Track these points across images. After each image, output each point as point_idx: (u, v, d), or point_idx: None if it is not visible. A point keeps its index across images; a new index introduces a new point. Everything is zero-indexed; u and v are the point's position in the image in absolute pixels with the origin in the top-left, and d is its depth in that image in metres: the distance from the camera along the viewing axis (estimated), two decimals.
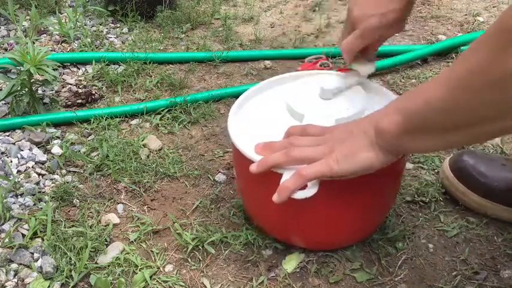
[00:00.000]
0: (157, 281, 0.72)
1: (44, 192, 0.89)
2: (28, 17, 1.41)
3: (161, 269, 0.75)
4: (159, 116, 1.06)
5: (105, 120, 1.04)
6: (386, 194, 0.74)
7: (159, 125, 1.04)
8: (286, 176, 0.63)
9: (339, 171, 0.60)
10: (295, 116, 0.73)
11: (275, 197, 0.62)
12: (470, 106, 0.49)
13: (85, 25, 1.41)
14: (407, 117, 0.56)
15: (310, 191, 0.62)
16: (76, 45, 1.33)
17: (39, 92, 1.12)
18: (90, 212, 0.84)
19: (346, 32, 0.76)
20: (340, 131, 0.64)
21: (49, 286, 0.72)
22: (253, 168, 0.65)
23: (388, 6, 0.71)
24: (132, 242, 0.79)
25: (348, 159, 0.60)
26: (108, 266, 0.75)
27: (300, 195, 0.62)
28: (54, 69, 1.08)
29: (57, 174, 0.93)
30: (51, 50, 1.30)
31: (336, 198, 0.67)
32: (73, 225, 0.81)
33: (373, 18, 0.71)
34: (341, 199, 0.68)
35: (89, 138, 1.01)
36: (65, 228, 0.81)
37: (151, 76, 1.20)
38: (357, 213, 0.71)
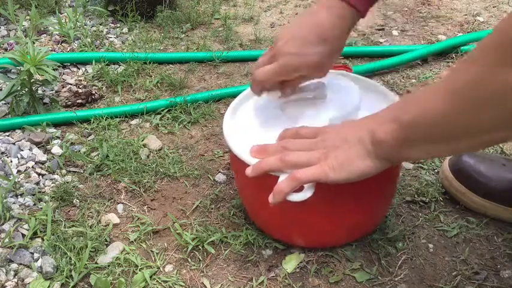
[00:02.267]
0: (157, 281, 0.72)
1: (44, 192, 0.89)
2: (28, 17, 1.41)
3: (161, 269, 0.75)
4: (159, 116, 1.06)
5: (105, 120, 1.04)
6: (385, 193, 0.74)
7: (159, 125, 1.04)
8: (282, 178, 0.63)
9: (335, 178, 0.61)
10: (289, 118, 0.73)
11: (270, 199, 0.63)
12: (469, 118, 0.49)
13: (85, 25, 1.41)
14: (403, 127, 0.56)
15: (306, 194, 0.62)
16: (76, 45, 1.33)
17: (39, 92, 1.12)
18: (90, 212, 0.84)
19: (265, 58, 0.72)
20: (334, 136, 0.63)
21: (49, 286, 0.72)
22: (248, 172, 0.66)
23: (312, 48, 0.67)
24: (132, 242, 0.79)
25: (344, 167, 0.60)
26: (108, 266, 0.75)
27: (295, 198, 0.62)
28: (54, 69, 1.08)
29: (57, 174, 0.93)
30: (51, 50, 1.30)
31: (334, 199, 0.68)
32: (73, 225, 0.81)
33: (293, 57, 0.68)
34: (339, 199, 0.68)
35: (89, 138, 1.01)
36: (65, 228, 0.81)
37: (151, 76, 1.20)
38: (356, 212, 0.71)
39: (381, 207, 0.76)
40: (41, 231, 0.80)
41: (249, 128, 0.75)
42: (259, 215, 0.77)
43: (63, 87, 1.16)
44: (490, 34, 0.46)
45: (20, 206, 0.85)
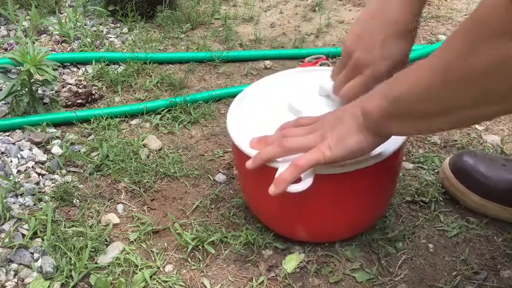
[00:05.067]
0: (157, 281, 0.72)
1: (44, 192, 0.89)
2: (28, 17, 1.41)
3: (161, 269, 0.75)
4: (159, 116, 1.06)
5: (105, 120, 1.04)
6: (385, 185, 0.75)
7: (159, 125, 1.04)
8: (282, 169, 0.64)
9: (332, 156, 0.62)
10: (293, 112, 0.74)
11: (271, 189, 0.63)
12: (450, 96, 0.50)
13: (85, 25, 1.41)
14: (391, 102, 0.57)
15: (305, 184, 0.63)
16: (76, 45, 1.33)
17: (39, 92, 1.12)
18: (90, 212, 0.84)
19: (343, 72, 0.69)
20: (330, 118, 0.65)
21: (49, 286, 0.72)
22: (249, 164, 0.66)
23: (396, 47, 0.65)
24: (132, 242, 0.79)
25: (339, 144, 0.61)
26: (108, 266, 0.75)
27: (295, 188, 0.63)
28: (54, 69, 1.08)
29: (57, 174, 0.93)
30: (51, 50, 1.30)
31: (334, 190, 0.68)
32: (73, 225, 0.81)
33: (382, 62, 0.65)
34: (339, 190, 0.69)
35: (89, 138, 1.01)
36: (65, 228, 0.81)
37: (151, 76, 1.20)
38: (356, 204, 0.72)
39: (383, 196, 0.76)
40: (41, 231, 0.80)
41: (252, 123, 0.75)
42: (262, 209, 0.78)
43: (63, 87, 1.16)
44: (469, 15, 0.48)
45: (20, 206, 0.85)
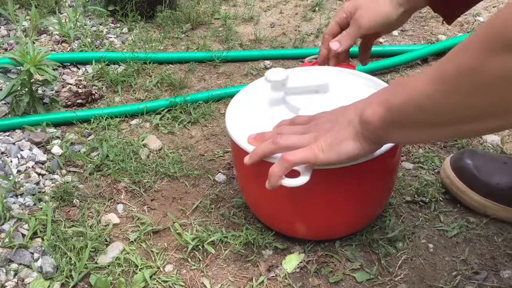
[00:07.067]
0: (157, 281, 0.72)
1: (44, 192, 0.89)
2: (28, 17, 1.41)
3: (161, 269, 0.75)
4: (159, 116, 1.06)
5: (105, 120, 1.04)
6: (382, 180, 0.75)
7: (159, 125, 1.04)
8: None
9: (324, 159, 0.62)
10: (291, 109, 0.75)
11: (267, 184, 0.64)
12: (456, 106, 0.49)
13: (85, 25, 1.41)
14: (390, 110, 0.56)
15: (301, 180, 0.63)
16: (76, 45, 1.33)
17: (39, 92, 1.12)
18: (90, 212, 0.84)
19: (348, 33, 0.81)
20: (325, 119, 0.65)
21: (49, 286, 0.72)
22: (246, 160, 0.67)
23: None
24: (132, 242, 0.79)
25: (333, 148, 0.61)
26: (108, 266, 0.75)
27: (289, 183, 0.63)
28: (54, 69, 1.08)
29: (57, 174, 0.93)
30: (51, 50, 1.30)
31: (332, 186, 0.69)
32: (73, 225, 0.81)
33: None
34: (338, 187, 0.69)
35: (89, 138, 1.01)
36: (65, 228, 0.81)
37: (151, 76, 1.20)
38: (354, 201, 0.72)
39: (381, 191, 0.76)
40: (41, 231, 0.80)
41: (251, 121, 0.75)
42: (261, 207, 0.78)
43: (63, 87, 1.16)
44: (482, 26, 0.47)
45: (20, 206, 0.85)
